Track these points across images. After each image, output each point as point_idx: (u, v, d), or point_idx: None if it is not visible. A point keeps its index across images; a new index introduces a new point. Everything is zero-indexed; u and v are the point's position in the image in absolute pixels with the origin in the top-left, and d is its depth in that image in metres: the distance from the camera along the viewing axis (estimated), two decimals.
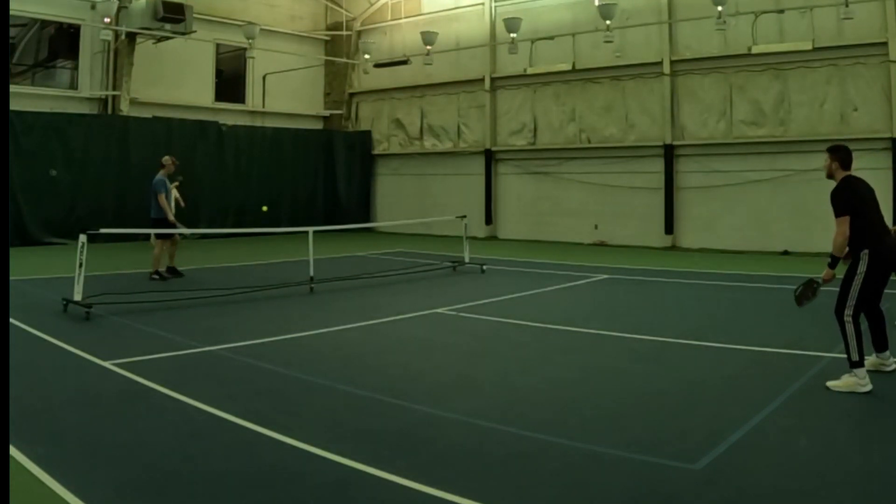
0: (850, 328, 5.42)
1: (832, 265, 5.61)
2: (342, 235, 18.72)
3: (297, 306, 9.52)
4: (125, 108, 18.77)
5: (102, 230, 10.00)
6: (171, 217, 11.42)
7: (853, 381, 5.30)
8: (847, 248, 5.63)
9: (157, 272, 11.46)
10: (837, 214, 5.53)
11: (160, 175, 11.63)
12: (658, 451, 4.15)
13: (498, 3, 20.74)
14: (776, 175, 16.34)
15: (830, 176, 5.78)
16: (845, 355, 5.39)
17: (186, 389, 5.32)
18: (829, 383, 5.43)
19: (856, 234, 5.50)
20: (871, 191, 5.77)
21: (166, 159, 11.93)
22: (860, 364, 5.34)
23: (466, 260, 13.27)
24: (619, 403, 5.27)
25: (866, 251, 5.49)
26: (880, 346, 5.80)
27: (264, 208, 15.80)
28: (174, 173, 12.28)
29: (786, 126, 16.34)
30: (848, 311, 5.47)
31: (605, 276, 12.35)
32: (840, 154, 5.74)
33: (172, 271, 11.75)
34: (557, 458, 4.12)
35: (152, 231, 11.65)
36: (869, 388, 5.28)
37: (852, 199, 5.54)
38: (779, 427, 4.62)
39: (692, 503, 3.56)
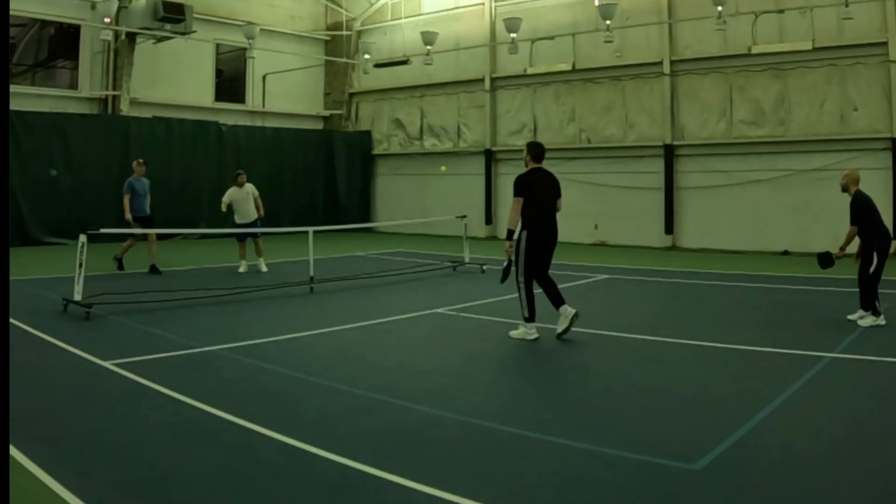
0: (522, 292, 6.98)
1: (508, 237, 6.93)
2: (342, 235, 18.72)
3: (297, 306, 9.52)
4: (125, 108, 18.76)
5: (102, 230, 10.01)
6: (128, 216, 11.98)
7: (524, 331, 6.80)
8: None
9: (118, 259, 12.32)
10: (514, 195, 6.88)
11: (130, 178, 12.32)
12: (658, 451, 4.15)
13: (498, 3, 20.73)
14: (776, 175, 16.34)
15: (526, 165, 7.16)
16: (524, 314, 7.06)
17: (186, 389, 5.32)
18: (511, 332, 6.89)
19: (524, 216, 6.85)
20: (550, 183, 7.10)
21: (134, 163, 12.68)
22: (531, 319, 6.93)
23: (466, 260, 13.27)
24: (619, 403, 5.28)
25: (525, 232, 6.88)
26: (556, 303, 7.10)
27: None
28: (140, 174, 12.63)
29: (786, 126, 16.33)
30: (520, 279, 7.00)
31: (605, 276, 12.35)
32: (532, 149, 7.18)
33: (153, 269, 12.22)
34: (557, 458, 4.12)
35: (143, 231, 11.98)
36: (535, 336, 6.86)
37: (528, 187, 6.89)
38: (779, 427, 4.62)
39: (692, 503, 3.56)
